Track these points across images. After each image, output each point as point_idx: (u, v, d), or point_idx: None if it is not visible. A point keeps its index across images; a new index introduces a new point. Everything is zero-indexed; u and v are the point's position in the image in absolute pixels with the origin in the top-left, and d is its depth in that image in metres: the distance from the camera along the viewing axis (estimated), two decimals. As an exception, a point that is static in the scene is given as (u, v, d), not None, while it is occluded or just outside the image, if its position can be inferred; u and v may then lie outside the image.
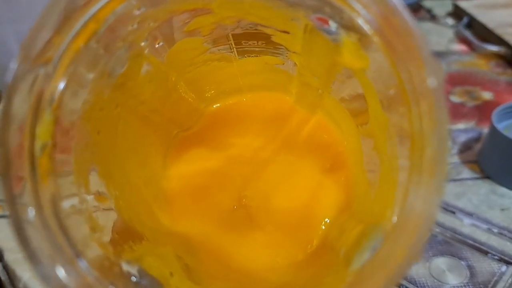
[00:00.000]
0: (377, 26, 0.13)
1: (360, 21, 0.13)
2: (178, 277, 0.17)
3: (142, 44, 0.18)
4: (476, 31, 0.55)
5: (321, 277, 0.17)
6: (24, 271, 0.26)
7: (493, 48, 0.51)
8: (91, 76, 0.15)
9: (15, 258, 0.27)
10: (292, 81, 0.24)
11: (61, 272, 0.13)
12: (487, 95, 0.44)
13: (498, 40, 0.51)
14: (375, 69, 0.15)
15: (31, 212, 0.13)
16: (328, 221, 0.21)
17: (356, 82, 0.18)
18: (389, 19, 0.12)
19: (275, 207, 0.23)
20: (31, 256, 0.13)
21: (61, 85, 0.14)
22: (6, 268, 0.27)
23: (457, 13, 0.59)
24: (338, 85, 0.21)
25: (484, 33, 0.53)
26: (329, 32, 0.16)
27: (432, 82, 0.12)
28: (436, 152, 0.12)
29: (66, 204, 0.15)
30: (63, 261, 0.13)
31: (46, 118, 0.14)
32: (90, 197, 0.16)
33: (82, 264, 0.14)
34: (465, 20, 0.57)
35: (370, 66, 0.15)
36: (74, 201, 0.15)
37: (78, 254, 0.14)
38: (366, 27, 0.13)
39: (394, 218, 0.14)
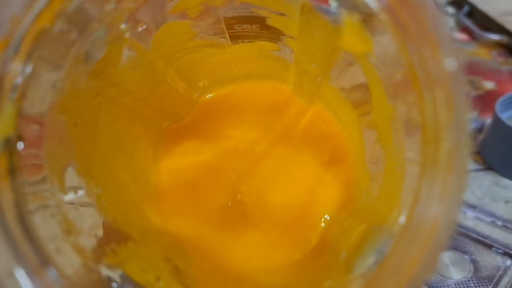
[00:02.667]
0: (385, 2, 0.12)
1: (365, -3, 0.12)
2: (166, 282, 0.16)
3: (122, 26, 0.16)
4: (477, 19, 0.54)
5: (320, 281, 0.16)
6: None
7: (495, 37, 0.51)
8: (62, 61, 0.14)
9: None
10: (289, 69, 0.23)
11: (25, 284, 0.11)
12: (489, 85, 0.44)
13: (499, 29, 0.51)
14: (379, 54, 0.14)
15: None
16: (327, 218, 0.20)
17: (357, 70, 0.17)
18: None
19: (271, 203, 0.22)
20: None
21: (27, 70, 0.13)
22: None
23: (458, 1, 0.58)
24: (338, 72, 0.19)
25: (486, 22, 0.53)
26: (328, 13, 0.14)
27: (450, 64, 0.10)
28: (454, 145, 0.10)
29: (34, 206, 0.13)
30: (27, 271, 0.12)
31: (8, 109, 0.12)
32: (65, 197, 0.15)
33: (51, 273, 0.12)
34: (466, 8, 0.56)
35: (374, 50, 0.14)
36: (45, 201, 0.14)
37: (46, 262, 0.12)
38: (372, 4, 0.12)
39: (402, 219, 0.12)
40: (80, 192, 0.16)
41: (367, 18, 0.13)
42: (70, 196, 0.15)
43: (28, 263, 0.12)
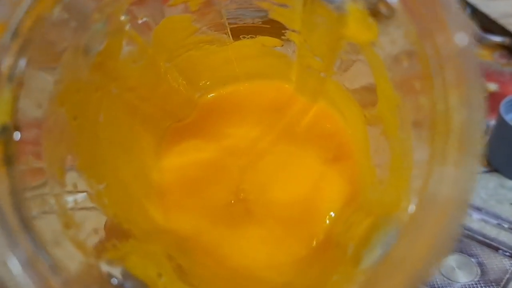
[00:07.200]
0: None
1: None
2: (168, 278, 0.16)
3: (122, 18, 0.16)
4: (479, 21, 0.54)
5: (327, 276, 0.16)
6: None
7: (497, 38, 0.51)
8: (62, 51, 0.14)
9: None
10: (292, 67, 0.23)
11: (18, 274, 0.11)
12: (492, 87, 0.44)
13: (501, 30, 0.51)
14: (385, 41, 0.14)
15: None
16: (332, 215, 0.20)
17: (361, 69, 0.16)
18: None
19: (275, 201, 0.21)
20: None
21: (24, 58, 0.12)
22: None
23: (459, 3, 0.58)
24: (342, 67, 0.19)
25: (487, 24, 0.53)
26: (332, 1, 0.14)
27: (460, 39, 0.10)
28: (466, 124, 0.10)
29: (31, 197, 0.13)
30: (21, 260, 0.11)
31: (4, 96, 0.12)
32: (64, 191, 0.15)
33: (48, 265, 0.12)
34: (467, 10, 0.56)
35: (379, 38, 0.14)
36: (44, 194, 0.14)
37: (43, 253, 0.12)
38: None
39: (411, 208, 0.12)
40: (81, 190, 0.16)
41: (372, 3, 0.13)
42: (71, 197, 0.15)
43: (23, 252, 0.11)
